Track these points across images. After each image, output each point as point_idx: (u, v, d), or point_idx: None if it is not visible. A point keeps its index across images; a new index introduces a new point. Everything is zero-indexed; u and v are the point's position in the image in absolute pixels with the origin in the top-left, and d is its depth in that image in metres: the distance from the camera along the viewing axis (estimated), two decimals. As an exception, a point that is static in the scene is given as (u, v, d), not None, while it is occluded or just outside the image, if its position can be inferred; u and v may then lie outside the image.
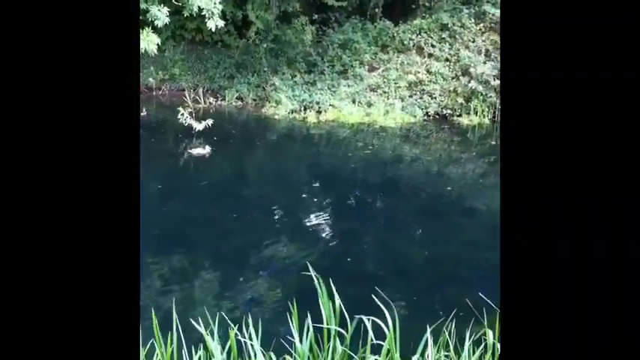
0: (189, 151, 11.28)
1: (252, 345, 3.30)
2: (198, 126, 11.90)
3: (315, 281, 3.46)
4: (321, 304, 3.46)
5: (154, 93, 15.22)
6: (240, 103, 15.15)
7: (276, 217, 8.71)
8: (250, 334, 3.32)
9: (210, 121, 11.93)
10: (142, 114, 13.74)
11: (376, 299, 3.67)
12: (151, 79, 15.10)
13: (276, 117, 14.12)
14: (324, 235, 8.10)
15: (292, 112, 14.26)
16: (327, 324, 3.43)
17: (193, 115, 12.38)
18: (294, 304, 3.45)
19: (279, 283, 6.57)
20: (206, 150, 11.13)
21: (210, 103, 14.96)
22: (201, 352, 3.37)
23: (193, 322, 3.50)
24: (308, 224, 8.34)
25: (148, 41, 9.59)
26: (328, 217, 8.64)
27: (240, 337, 3.43)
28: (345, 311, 3.42)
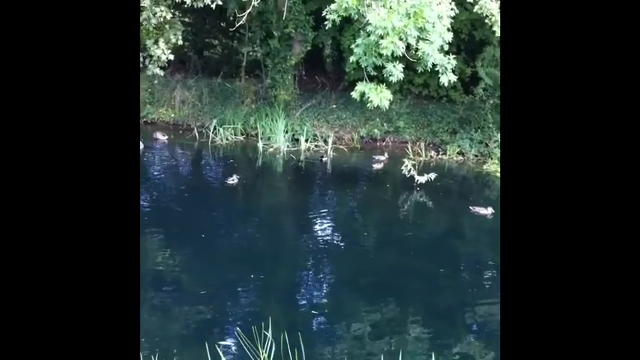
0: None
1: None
2: (421, 179, 12.16)
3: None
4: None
5: (378, 144, 15.85)
6: (460, 158, 15.15)
7: (488, 275, 8.54)
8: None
9: (432, 175, 12.13)
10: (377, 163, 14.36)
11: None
12: (376, 130, 15.76)
13: (498, 174, 13.86)
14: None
15: (515, 171, 13.90)
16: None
17: (415, 167, 12.68)
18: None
19: (491, 344, 6.43)
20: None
21: (431, 156, 15.18)
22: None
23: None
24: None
25: (382, 97, 9.98)
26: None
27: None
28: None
